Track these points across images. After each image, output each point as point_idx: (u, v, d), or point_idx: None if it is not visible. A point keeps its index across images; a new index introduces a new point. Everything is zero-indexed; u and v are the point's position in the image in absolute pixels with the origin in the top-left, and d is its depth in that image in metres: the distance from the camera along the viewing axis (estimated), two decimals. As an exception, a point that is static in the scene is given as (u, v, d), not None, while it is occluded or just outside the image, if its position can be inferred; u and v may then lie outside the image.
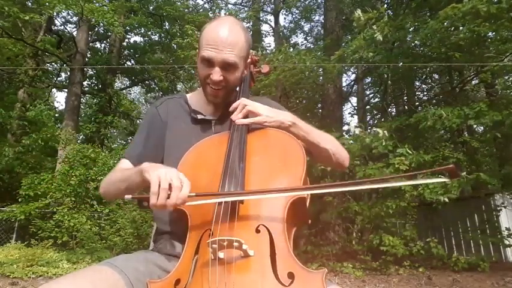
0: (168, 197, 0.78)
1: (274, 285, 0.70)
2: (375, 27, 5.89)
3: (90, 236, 6.89)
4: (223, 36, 0.99)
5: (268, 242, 0.77)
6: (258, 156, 0.96)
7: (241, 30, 1.05)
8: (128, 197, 0.83)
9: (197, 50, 1.12)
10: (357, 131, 5.74)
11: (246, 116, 1.02)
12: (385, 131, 5.70)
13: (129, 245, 6.78)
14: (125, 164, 1.10)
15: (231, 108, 1.04)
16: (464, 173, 5.79)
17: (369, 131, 6.12)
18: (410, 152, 5.68)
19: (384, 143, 5.58)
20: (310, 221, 0.95)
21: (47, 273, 5.37)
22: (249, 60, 1.15)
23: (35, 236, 7.09)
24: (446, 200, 5.38)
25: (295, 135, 1.00)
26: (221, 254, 0.72)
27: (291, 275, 0.71)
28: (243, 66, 1.07)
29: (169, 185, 0.78)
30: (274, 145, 1.00)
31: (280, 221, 0.81)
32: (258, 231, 0.79)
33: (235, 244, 0.71)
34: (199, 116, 1.12)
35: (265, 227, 0.80)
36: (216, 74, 1.01)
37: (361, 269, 5.70)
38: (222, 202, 0.83)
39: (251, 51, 1.17)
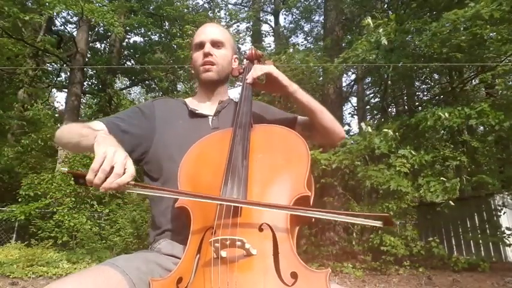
0: (106, 179, 0.75)
1: (277, 284, 0.69)
2: (380, 31, 5.88)
3: (90, 236, 6.89)
4: (211, 27, 1.25)
5: (272, 241, 0.76)
6: (261, 153, 0.95)
7: (225, 28, 1.29)
8: (64, 169, 0.80)
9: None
10: (369, 128, 5.71)
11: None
12: (396, 132, 5.70)
13: (129, 245, 6.77)
14: (96, 126, 1.05)
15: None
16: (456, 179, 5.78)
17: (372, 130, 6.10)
18: (413, 153, 5.66)
19: (390, 143, 5.57)
20: (314, 219, 0.94)
21: (47, 273, 5.37)
22: (251, 52, 1.29)
23: (35, 236, 7.09)
24: (451, 203, 5.47)
25: (299, 100, 1.14)
26: (223, 253, 0.71)
27: (294, 275, 0.70)
28: (230, 50, 1.23)
29: (112, 167, 0.76)
30: (278, 142, 0.99)
31: (284, 220, 0.80)
32: (261, 230, 0.78)
33: (238, 243, 0.70)
34: (197, 111, 1.18)
35: (269, 225, 0.79)
36: (207, 48, 1.18)
37: (361, 269, 5.69)
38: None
39: (253, 46, 1.29)
